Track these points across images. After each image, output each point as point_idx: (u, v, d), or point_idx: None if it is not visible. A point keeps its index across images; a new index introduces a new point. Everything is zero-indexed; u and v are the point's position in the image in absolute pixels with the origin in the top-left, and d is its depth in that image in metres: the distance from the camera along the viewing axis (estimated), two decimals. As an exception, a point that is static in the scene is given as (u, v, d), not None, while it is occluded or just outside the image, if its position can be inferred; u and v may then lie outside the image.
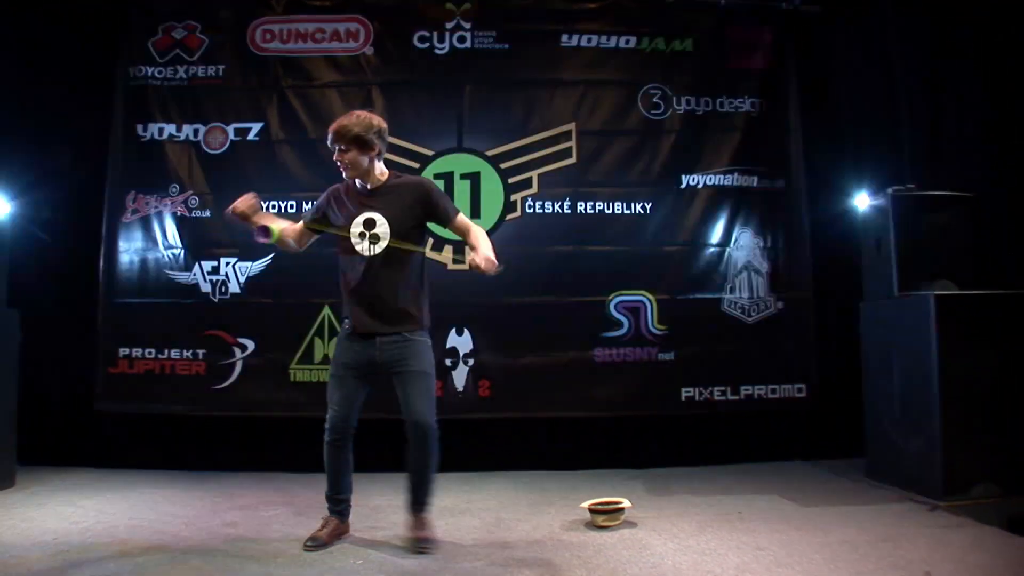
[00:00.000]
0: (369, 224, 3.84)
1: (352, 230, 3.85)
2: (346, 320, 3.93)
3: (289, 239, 3.98)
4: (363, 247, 3.83)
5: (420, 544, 3.80)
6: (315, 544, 3.82)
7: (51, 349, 5.62)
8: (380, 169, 3.96)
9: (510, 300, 5.72)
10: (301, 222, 4.05)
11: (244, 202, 3.86)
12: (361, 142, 3.83)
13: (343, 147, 3.84)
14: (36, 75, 5.71)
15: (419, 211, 3.91)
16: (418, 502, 3.93)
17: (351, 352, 3.90)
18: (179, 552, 3.74)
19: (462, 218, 3.98)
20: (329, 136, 3.87)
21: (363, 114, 3.92)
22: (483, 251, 3.75)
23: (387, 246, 3.82)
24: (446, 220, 3.96)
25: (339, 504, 4.00)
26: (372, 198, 3.91)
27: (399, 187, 3.96)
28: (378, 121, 3.92)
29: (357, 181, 3.93)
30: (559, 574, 3.45)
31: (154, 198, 5.77)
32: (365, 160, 3.87)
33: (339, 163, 3.89)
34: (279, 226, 3.89)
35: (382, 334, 3.85)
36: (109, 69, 5.82)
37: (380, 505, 4.57)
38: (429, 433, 3.79)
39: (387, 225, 3.83)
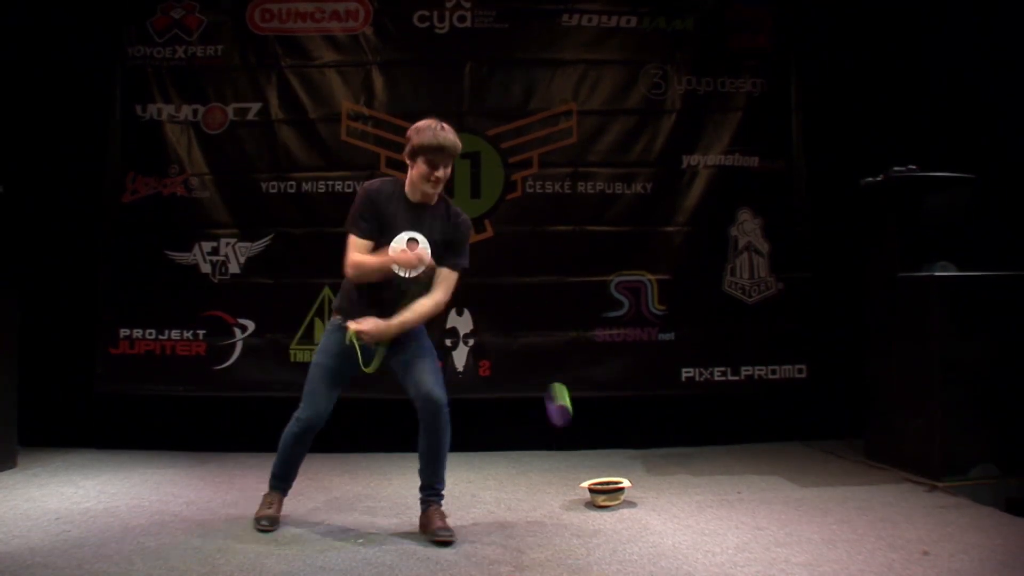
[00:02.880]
0: (412, 244, 3.60)
1: (394, 244, 3.59)
2: (342, 318, 3.66)
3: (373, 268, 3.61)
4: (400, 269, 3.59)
5: (440, 534, 3.61)
6: (271, 523, 3.74)
7: (52, 330, 5.61)
8: None
9: (510, 280, 5.71)
10: (363, 240, 3.62)
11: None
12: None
13: (446, 164, 3.58)
14: (34, 55, 5.67)
15: (449, 243, 3.69)
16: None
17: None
18: (180, 532, 3.76)
19: (455, 276, 3.73)
20: (438, 152, 3.53)
21: (449, 127, 3.63)
22: (395, 319, 3.57)
23: (423, 272, 3.57)
24: (452, 264, 3.70)
25: (289, 483, 3.94)
26: (420, 215, 3.66)
27: (447, 212, 3.73)
28: None
29: (415, 193, 3.65)
30: (559, 554, 3.46)
31: (153, 179, 5.73)
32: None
33: (430, 180, 3.57)
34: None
35: None
36: (107, 49, 5.77)
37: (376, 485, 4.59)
38: (441, 409, 3.60)
39: (428, 248, 3.60)
